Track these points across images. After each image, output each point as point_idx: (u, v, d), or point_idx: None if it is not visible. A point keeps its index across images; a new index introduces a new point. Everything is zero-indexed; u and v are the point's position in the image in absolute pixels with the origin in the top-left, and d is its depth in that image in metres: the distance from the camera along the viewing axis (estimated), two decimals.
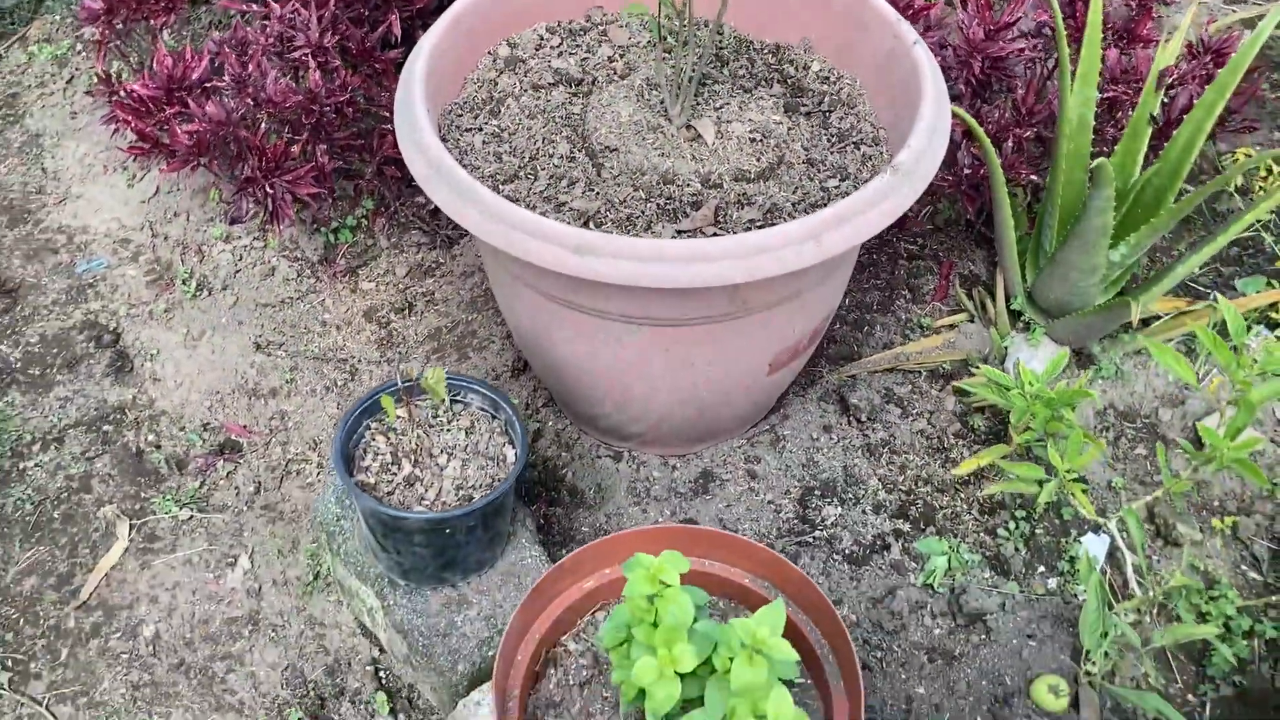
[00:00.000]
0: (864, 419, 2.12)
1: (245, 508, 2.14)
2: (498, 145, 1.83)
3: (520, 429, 1.66)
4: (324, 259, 2.40)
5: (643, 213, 1.71)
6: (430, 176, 1.65)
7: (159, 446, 2.23)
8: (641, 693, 1.26)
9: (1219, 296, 1.75)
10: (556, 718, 1.37)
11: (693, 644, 1.23)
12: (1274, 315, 2.20)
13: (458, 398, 1.73)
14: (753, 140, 1.80)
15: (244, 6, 2.28)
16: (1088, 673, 1.69)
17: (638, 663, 1.21)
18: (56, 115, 2.84)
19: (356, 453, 1.66)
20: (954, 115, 1.85)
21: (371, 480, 1.62)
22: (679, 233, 1.67)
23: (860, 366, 2.19)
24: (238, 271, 2.43)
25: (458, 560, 1.66)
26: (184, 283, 2.43)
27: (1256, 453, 2.01)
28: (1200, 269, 2.34)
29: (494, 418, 1.72)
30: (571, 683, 1.41)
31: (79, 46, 2.97)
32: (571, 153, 1.81)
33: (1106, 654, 1.66)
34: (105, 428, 2.25)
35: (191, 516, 2.13)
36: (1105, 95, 2.12)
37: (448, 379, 1.70)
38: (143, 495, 2.16)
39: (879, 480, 2.04)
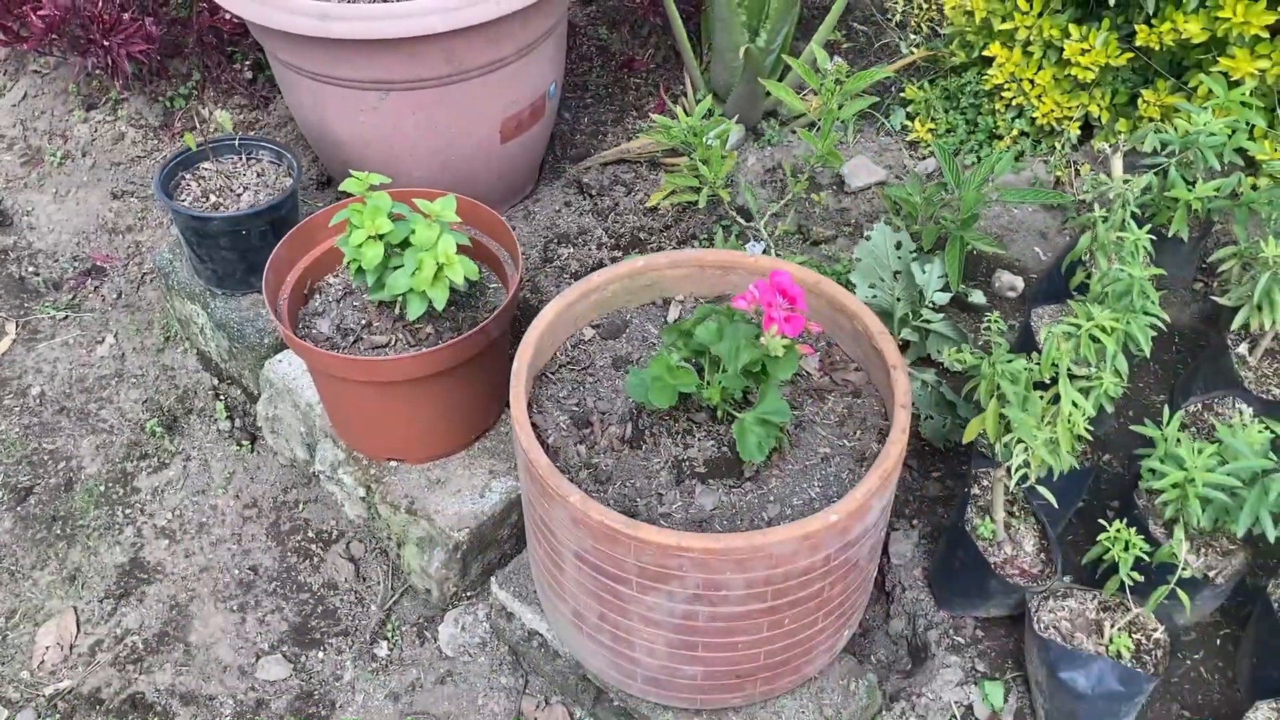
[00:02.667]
0: (595, 194, 2.74)
1: (110, 308, 2.68)
2: None
3: (296, 166, 2.24)
4: (164, 124, 2.97)
5: None
6: None
7: (37, 274, 2.76)
8: (361, 269, 1.84)
9: (812, 46, 2.40)
10: (319, 318, 1.95)
11: (396, 226, 1.82)
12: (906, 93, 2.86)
13: (253, 155, 2.31)
14: None
15: None
16: None
17: (351, 235, 1.80)
18: None
19: (175, 194, 2.23)
20: None
21: (186, 207, 2.19)
22: None
23: (593, 160, 2.81)
24: (94, 140, 2.98)
25: (258, 265, 2.22)
26: (51, 157, 2.98)
27: (879, 184, 2.67)
28: None
29: (279, 166, 2.30)
30: (331, 300, 1.99)
31: None
32: None
33: None
34: None
35: (67, 316, 2.67)
36: None
37: (243, 138, 2.28)
38: (25, 306, 2.69)
39: (604, 231, 2.65)
